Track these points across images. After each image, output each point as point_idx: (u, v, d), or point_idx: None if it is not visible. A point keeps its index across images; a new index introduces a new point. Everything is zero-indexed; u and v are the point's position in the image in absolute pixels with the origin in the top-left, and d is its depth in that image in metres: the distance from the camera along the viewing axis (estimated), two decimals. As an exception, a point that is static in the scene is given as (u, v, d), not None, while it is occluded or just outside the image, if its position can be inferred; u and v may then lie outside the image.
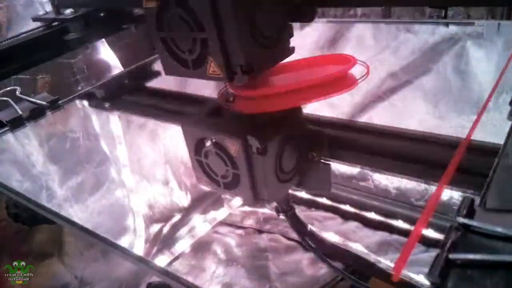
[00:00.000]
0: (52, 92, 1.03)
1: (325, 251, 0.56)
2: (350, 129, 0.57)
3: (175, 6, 0.48)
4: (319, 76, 0.58)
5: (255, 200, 0.49)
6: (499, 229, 0.27)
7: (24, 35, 0.81)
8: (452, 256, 0.26)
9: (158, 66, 0.90)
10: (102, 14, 0.84)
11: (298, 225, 0.55)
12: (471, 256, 0.26)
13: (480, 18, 1.53)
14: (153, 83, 0.84)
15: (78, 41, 0.84)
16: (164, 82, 0.84)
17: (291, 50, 0.56)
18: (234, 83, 0.50)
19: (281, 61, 0.55)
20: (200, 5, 0.46)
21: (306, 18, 0.56)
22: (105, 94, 0.84)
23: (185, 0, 0.46)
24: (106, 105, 0.79)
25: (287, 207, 0.52)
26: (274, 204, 0.55)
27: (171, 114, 0.70)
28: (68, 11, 0.83)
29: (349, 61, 0.59)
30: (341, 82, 0.57)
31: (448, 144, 0.50)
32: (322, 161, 0.52)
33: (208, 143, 0.50)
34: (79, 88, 1.08)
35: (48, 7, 0.94)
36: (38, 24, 0.86)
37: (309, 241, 0.55)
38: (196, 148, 0.52)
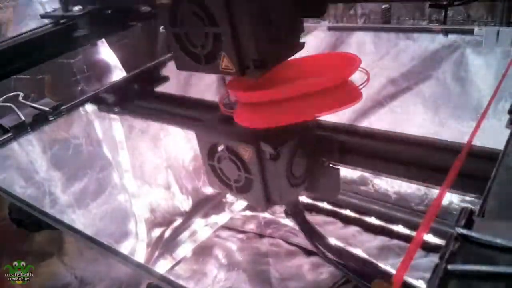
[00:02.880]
0: (52, 92, 1.04)
1: (333, 255, 0.56)
2: (359, 134, 0.58)
3: (188, 2, 0.49)
4: (324, 78, 0.58)
5: (267, 204, 0.50)
6: (498, 240, 0.27)
7: (31, 32, 0.82)
8: (451, 267, 0.26)
9: (162, 70, 0.91)
10: (109, 12, 0.85)
11: (307, 228, 0.56)
12: (470, 267, 0.26)
13: (479, 18, 1.54)
14: (159, 88, 0.84)
15: (85, 38, 0.84)
16: (167, 87, 0.85)
17: (302, 45, 0.57)
18: (246, 77, 0.51)
19: (293, 55, 0.56)
20: (214, 1, 0.47)
21: (317, 13, 0.57)
22: (112, 99, 0.85)
23: None
24: (116, 110, 0.79)
25: (297, 210, 0.53)
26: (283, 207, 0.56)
27: (180, 119, 0.71)
28: (77, 8, 0.84)
29: (354, 60, 0.59)
30: (345, 88, 0.57)
31: (450, 149, 0.50)
32: (332, 166, 0.52)
33: (221, 149, 0.51)
34: (79, 88, 1.08)
35: (48, 7, 0.95)
36: (35, 23, 0.87)
37: (318, 244, 0.56)
38: (209, 154, 0.53)
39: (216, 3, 0.47)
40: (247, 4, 0.46)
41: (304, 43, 0.56)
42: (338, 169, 0.52)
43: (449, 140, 0.51)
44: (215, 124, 0.58)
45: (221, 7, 0.46)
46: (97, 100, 0.81)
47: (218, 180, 0.52)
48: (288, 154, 0.50)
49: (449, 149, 0.51)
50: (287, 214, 0.52)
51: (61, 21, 0.84)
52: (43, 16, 0.86)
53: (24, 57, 0.81)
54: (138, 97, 0.83)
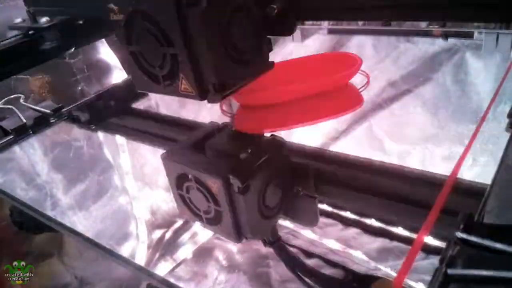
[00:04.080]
0: (52, 92, 1.04)
1: (318, 280, 0.55)
2: (336, 161, 0.55)
3: (141, 20, 0.44)
4: (325, 80, 0.57)
5: (238, 238, 0.47)
6: (497, 245, 0.27)
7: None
8: (450, 271, 0.26)
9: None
10: (80, 22, 0.82)
11: (285, 256, 0.54)
12: (469, 272, 0.26)
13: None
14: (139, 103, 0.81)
15: (53, 50, 0.81)
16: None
17: (270, 65, 0.52)
18: (207, 101, 0.47)
19: (259, 76, 0.51)
20: (166, 19, 0.42)
21: (285, 31, 0.53)
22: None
23: (152, 14, 0.43)
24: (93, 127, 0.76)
25: (273, 239, 0.51)
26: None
27: (154, 138, 0.67)
28: (44, 19, 0.81)
29: (355, 61, 0.59)
30: (346, 91, 0.57)
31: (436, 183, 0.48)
32: (308, 195, 0.50)
33: (190, 178, 0.48)
34: (79, 88, 1.08)
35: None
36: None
37: (299, 272, 0.54)
38: (178, 182, 0.50)
39: (169, 21, 0.42)
40: (203, 24, 0.42)
41: (273, 63, 0.52)
42: (315, 198, 0.50)
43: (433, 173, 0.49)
44: (184, 150, 0.54)
45: (175, 26, 0.42)
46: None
47: (188, 210, 0.50)
48: (259, 185, 0.47)
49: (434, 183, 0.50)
50: (265, 243, 0.50)
51: (30, 32, 0.81)
52: (11, 28, 0.82)
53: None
54: (115, 113, 0.80)
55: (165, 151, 0.52)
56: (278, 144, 0.51)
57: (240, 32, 0.46)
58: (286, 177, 0.50)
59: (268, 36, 0.51)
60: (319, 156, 0.55)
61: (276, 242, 0.51)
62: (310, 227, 0.54)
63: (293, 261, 0.53)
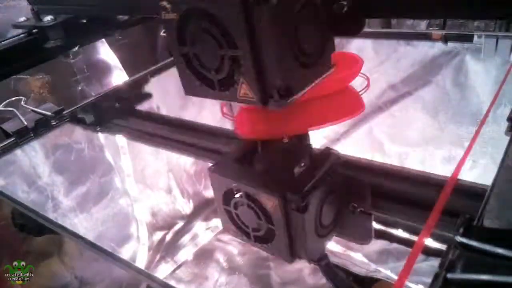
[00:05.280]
0: (52, 92, 1.04)
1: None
2: (393, 175, 0.51)
3: (199, 19, 0.41)
4: (327, 81, 0.56)
5: (291, 258, 0.44)
6: (497, 249, 0.27)
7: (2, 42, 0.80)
8: (450, 275, 0.27)
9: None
10: (84, 21, 0.82)
11: (331, 274, 0.51)
12: (469, 276, 0.26)
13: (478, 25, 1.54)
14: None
15: (57, 49, 0.82)
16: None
17: (331, 67, 0.49)
18: (270, 107, 0.43)
19: (320, 80, 0.48)
20: (230, 18, 0.39)
21: (352, 30, 0.48)
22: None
23: (213, 12, 0.40)
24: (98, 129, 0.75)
25: (322, 256, 0.47)
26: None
27: (194, 149, 0.64)
28: (48, 18, 0.81)
29: (356, 60, 0.59)
30: (347, 95, 0.56)
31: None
32: (363, 211, 0.47)
33: (239, 194, 0.45)
34: (79, 88, 1.08)
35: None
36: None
37: None
38: (225, 197, 0.47)
39: (234, 21, 0.39)
40: (272, 24, 0.39)
41: (334, 65, 0.49)
42: (371, 215, 0.46)
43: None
44: (232, 164, 0.50)
45: (241, 26, 0.38)
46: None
47: (234, 226, 0.47)
48: (317, 203, 0.44)
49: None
50: (311, 261, 0.47)
51: (34, 30, 0.81)
52: (15, 26, 0.82)
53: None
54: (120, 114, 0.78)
55: (211, 164, 0.48)
56: (333, 157, 0.48)
57: (306, 31, 0.43)
58: (341, 193, 0.47)
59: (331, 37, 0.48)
60: (373, 168, 0.53)
61: (323, 260, 0.48)
62: (364, 244, 0.51)
63: (340, 281, 0.51)
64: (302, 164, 0.46)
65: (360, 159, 0.53)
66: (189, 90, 0.47)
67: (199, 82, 0.45)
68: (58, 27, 0.80)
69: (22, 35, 0.81)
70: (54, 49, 0.80)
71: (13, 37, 0.82)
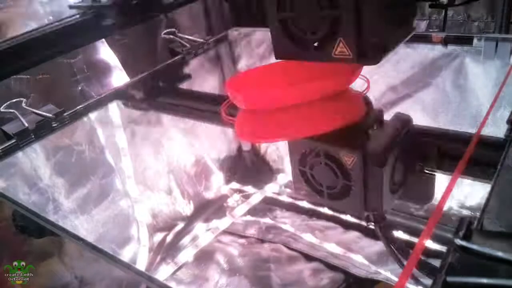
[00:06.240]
0: (52, 91, 1.04)
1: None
2: (456, 141, 0.55)
3: None
4: (327, 83, 0.57)
5: (364, 211, 0.49)
6: (497, 252, 0.28)
7: (58, 22, 0.84)
8: (450, 279, 0.27)
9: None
10: (135, 2, 0.86)
11: (389, 235, 0.53)
12: (468, 279, 0.26)
13: (479, 18, 1.54)
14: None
15: (113, 28, 0.86)
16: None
17: (414, 29, 0.54)
18: (363, 63, 0.48)
19: (406, 40, 0.53)
20: None
21: None
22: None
23: None
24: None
25: (381, 218, 0.51)
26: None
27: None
28: None
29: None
30: (347, 97, 0.56)
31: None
32: (428, 172, 0.51)
33: (316, 154, 0.49)
34: (79, 88, 1.08)
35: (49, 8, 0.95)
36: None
37: (398, 253, 0.54)
38: (301, 159, 0.51)
39: None
40: None
41: (415, 27, 0.54)
42: (434, 175, 0.50)
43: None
44: None
45: None
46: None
47: (307, 186, 0.52)
48: (392, 161, 0.48)
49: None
50: (369, 220, 0.50)
51: (90, 11, 0.85)
52: (71, 7, 0.87)
53: (53, 46, 0.82)
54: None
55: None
56: (404, 120, 0.53)
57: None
58: (411, 153, 0.52)
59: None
60: (440, 135, 0.56)
61: (382, 221, 0.50)
62: (424, 205, 0.54)
63: (398, 244, 0.53)
64: (374, 127, 0.52)
65: (424, 126, 0.57)
66: (281, 53, 0.51)
67: (293, 45, 0.49)
68: (113, 7, 0.85)
69: (77, 16, 0.86)
70: (110, 27, 0.85)
71: (69, 17, 0.86)
